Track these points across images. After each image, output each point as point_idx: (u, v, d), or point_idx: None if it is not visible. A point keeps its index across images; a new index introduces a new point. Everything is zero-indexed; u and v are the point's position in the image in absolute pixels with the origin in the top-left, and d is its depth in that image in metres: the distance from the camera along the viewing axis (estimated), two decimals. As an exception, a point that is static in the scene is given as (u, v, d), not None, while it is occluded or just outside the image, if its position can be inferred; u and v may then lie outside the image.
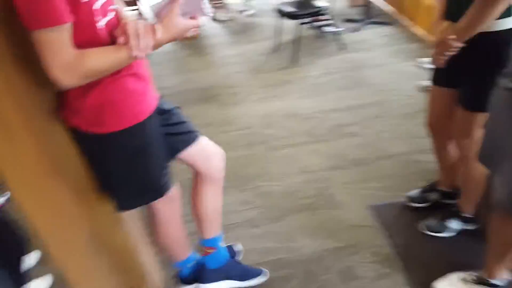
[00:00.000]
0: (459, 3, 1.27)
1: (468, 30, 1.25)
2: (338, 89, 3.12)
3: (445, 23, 1.34)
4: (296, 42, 3.68)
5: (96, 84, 1.05)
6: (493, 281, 1.46)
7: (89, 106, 1.09)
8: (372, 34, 4.00)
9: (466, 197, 1.72)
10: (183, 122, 1.37)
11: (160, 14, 1.03)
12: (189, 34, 1.07)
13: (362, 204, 2.01)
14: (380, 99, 2.89)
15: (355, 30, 4.13)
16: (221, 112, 3.08)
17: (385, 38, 3.85)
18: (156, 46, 1.02)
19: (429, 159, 2.20)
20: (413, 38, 3.72)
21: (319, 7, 3.66)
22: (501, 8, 1.17)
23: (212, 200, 1.52)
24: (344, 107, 2.86)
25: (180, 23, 1.02)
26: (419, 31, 3.73)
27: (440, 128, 1.66)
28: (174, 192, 1.40)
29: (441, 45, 1.33)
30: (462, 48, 1.30)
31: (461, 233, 1.75)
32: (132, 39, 0.98)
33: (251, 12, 5.25)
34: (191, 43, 4.60)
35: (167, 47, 4.56)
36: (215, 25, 5.14)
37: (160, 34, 1.00)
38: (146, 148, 1.21)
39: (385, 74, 3.20)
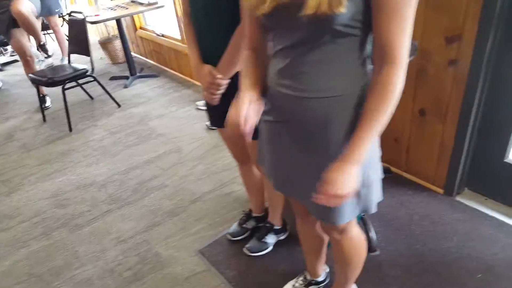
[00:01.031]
0: (212, 48, 1.40)
1: (230, 68, 1.39)
2: (129, 146, 3.04)
3: (206, 66, 1.43)
4: (67, 108, 3.38)
5: None
6: (318, 279, 1.68)
7: None
8: (144, 87, 4.10)
9: (273, 212, 1.95)
10: None
11: None
12: None
13: (190, 252, 1.98)
14: (173, 146, 2.97)
15: (125, 86, 4.15)
16: (-6, 207, 2.51)
17: (157, 89, 4.01)
18: None
19: (232, 189, 2.40)
20: (184, 84, 4.01)
21: (78, 69, 3.48)
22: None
23: None
24: (141, 163, 2.80)
25: None
26: (186, 78, 4.06)
27: (243, 158, 1.80)
28: None
29: (210, 86, 1.43)
30: (228, 87, 1.42)
31: (277, 244, 1.95)
32: None
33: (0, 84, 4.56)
34: None
35: None
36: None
37: None
38: None
39: (171, 122, 3.32)
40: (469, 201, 2.06)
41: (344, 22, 0.84)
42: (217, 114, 1.62)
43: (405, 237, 1.92)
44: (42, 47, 3.58)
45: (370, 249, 1.89)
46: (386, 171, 2.33)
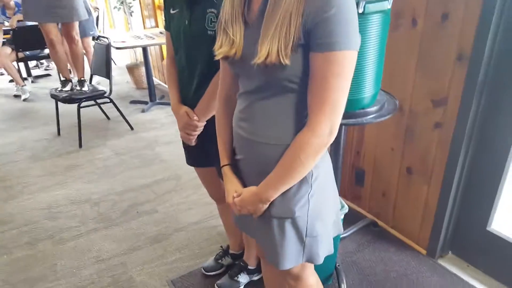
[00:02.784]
0: (191, 91, 1.46)
1: (206, 112, 1.45)
2: (130, 169, 3.13)
3: (184, 108, 1.49)
4: (80, 125, 3.54)
5: None
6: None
7: None
8: (160, 114, 4.25)
9: (248, 251, 1.94)
10: None
11: None
12: None
13: (162, 281, 1.98)
14: (173, 174, 3.03)
15: (143, 110, 4.31)
16: (-9, 211, 2.61)
17: (172, 117, 4.14)
18: None
19: (218, 223, 2.41)
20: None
21: (98, 90, 3.67)
22: None
23: None
24: (138, 186, 2.87)
25: None
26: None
27: (219, 197, 1.83)
28: None
29: (187, 127, 1.49)
30: (205, 129, 1.48)
31: (249, 284, 1.93)
32: None
33: (26, 96, 4.83)
34: None
35: None
36: (-20, 111, 4.50)
37: None
38: None
39: (176, 150, 3.40)
40: (450, 265, 1.99)
41: (290, 76, 0.91)
42: (194, 153, 1.67)
43: (378, 295, 1.87)
44: (80, 83, 3.67)
45: (341, 302, 1.85)
46: (373, 224, 2.31)
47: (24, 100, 4.77)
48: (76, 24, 3.52)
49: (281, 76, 0.91)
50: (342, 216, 1.79)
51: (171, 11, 1.45)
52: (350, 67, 0.87)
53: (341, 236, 2.18)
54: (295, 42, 0.86)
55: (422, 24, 1.77)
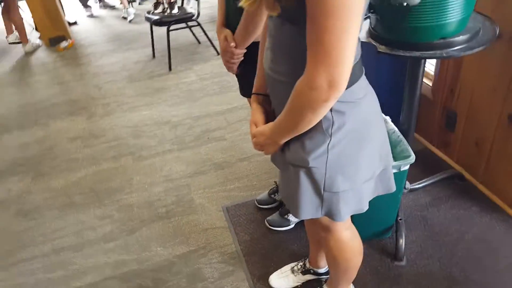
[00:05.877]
0: (234, 13, 1.32)
1: (245, 37, 1.31)
2: (210, 94, 3.18)
3: (224, 31, 1.38)
4: (169, 49, 3.67)
5: None
6: (316, 270, 1.58)
7: None
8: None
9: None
10: None
11: None
12: None
13: (218, 206, 2.06)
14: (246, 102, 2.98)
15: (232, 35, 4.26)
16: (89, 125, 2.95)
17: (258, 42, 4.02)
18: None
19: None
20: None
21: (187, 13, 3.68)
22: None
23: None
24: (213, 112, 2.92)
25: None
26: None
27: None
28: None
29: (225, 53, 1.39)
30: (249, 58, 1.34)
31: (299, 223, 1.88)
32: None
33: (131, 18, 5.15)
34: (66, 52, 4.37)
35: (42, 58, 4.28)
36: (93, 32, 4.95)
37: None
38: None
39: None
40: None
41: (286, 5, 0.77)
42: (247, 83, 1.57)
43: (443, 256, 1.66)
44: (170, 5, 3.66)
45: (396, 257, 1.70)
46: (458, 177, 2.00)
47: (130, 21, 5.09)
48: None
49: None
50: (407, 167, 1.57)
51: None
52: (344, 3, 0.66)
53: (413, 187, 1.95)
54: None
55: None
